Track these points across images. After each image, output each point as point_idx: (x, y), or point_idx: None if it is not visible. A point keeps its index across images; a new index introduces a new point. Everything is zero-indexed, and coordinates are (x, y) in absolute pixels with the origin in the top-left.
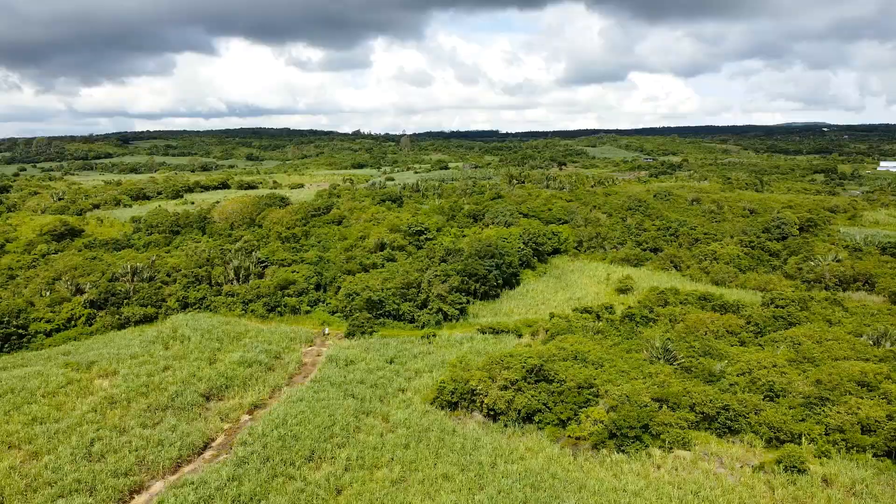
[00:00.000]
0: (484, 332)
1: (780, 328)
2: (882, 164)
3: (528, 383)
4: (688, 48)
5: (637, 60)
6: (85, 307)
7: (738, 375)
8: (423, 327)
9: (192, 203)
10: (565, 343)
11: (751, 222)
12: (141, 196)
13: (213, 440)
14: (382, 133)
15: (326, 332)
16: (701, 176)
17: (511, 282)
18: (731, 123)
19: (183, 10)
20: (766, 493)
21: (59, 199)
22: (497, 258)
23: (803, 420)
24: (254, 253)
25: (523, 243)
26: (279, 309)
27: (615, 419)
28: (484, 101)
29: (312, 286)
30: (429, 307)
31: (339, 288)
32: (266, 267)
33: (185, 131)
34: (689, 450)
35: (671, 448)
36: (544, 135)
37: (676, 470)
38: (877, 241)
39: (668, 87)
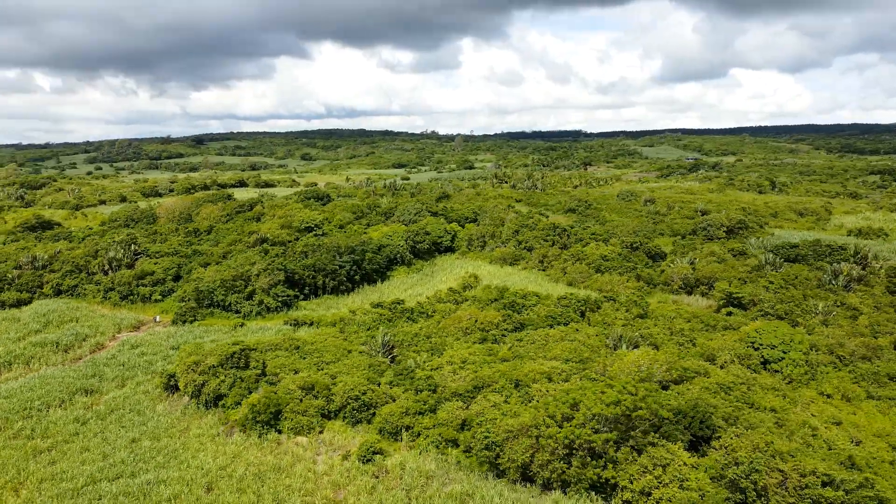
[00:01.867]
0: (287, 324)
1: (544, 326)
2: None
3: (225, 369)
4: (792, 43)
5: (738, 56)
6: None
7: (431, 370)
8: (245, 318)
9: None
10: (301, 333)
11: (683, 224)
12: (153, 193)
13: None
14: (455, 133)
15: (157, 319)
16: (705, 177)
17: (373, 277)
18: (843, 121)
19: (274, 17)
20: (322, 475)
21: (74, 196)
22: (357, 254)
23: (422, 414)
24: (132, 245)
25: (404, 241)
26: (131, 297)
27: (255, 404)
28: (578, 100)
29: (171, 277)
30: (252, 299)
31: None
32: (138, 258)
33: (269, 133)
34: (307, 436)
35: (291, 434)
36: (631, 134)
37: (272, 454)
38: (769, 245)
39: (773, 84)
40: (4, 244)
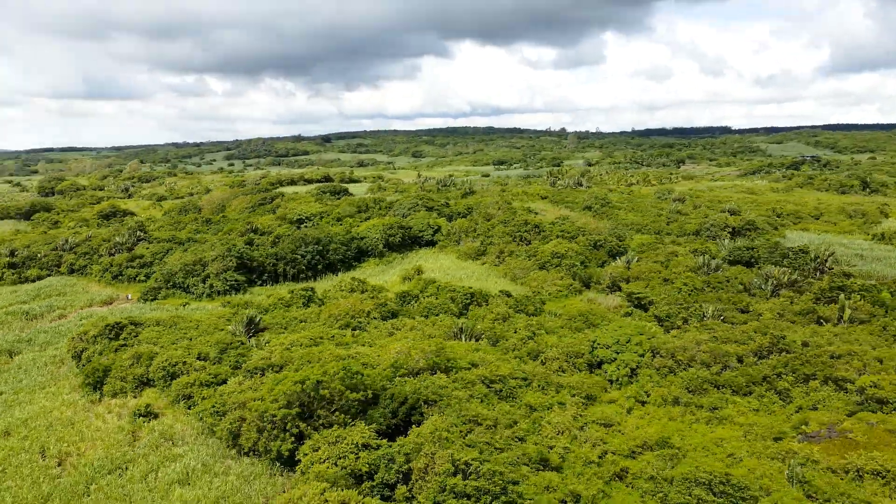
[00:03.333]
0: (223, 306)
1: (415, 316)
2: None
3: (101, 339)
4: None
5: None
6: (4, 267)
7: (267, 349)
8: (198, 298)
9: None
10: (185, 312)
11: (694, 224)
12: (240, 187)
13: None
14: (593, 130)
15: (129, 297)
16: (784, 175)
17: (337, 267)
18: None
19: (415, 18)
20: (94, 430)
21: (167, 189)
22: (322, 245)
23: (209, 385)
24: (137, 231)
25: (380, 234)
26: (121, 277)
27: (87, 368)
28: (735, 94)
29: (157, 260)
30: (206, 283)
31: None
32: (139, 243)
33: (418, 131)
34: (119, 398)
35: (108, 396)
36: (773, 130)
37: (74, 411)
38: (731, 246)
39: None
40: (70, 228)
